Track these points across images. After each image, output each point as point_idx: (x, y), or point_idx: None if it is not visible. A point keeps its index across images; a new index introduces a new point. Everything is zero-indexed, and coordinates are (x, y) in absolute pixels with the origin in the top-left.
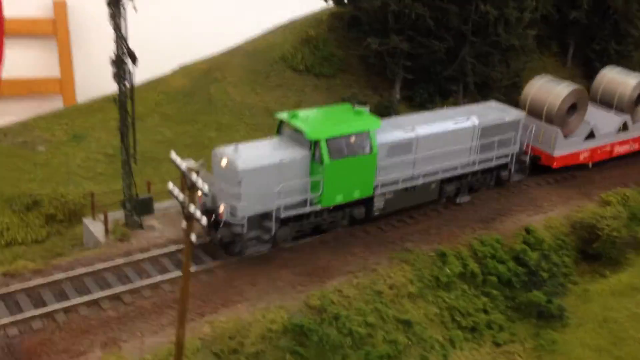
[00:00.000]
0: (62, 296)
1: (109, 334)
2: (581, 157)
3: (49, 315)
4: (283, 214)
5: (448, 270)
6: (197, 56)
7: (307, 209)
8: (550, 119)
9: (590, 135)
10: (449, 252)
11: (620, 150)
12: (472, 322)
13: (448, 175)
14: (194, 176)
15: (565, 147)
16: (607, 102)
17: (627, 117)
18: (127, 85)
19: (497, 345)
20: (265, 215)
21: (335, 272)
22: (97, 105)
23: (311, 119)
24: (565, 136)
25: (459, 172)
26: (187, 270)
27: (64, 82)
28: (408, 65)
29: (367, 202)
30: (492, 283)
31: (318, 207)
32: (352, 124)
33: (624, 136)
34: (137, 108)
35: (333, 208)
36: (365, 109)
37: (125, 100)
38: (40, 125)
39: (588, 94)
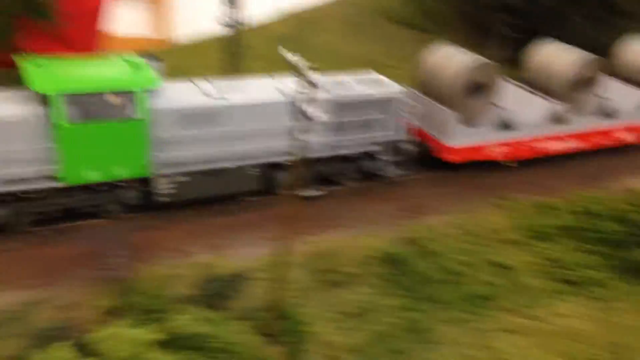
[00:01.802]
0: None
1: (214, 239)
2: (495, 152)
3: (161, 216)
4: None
5: (549, 222)
6: (301, 4)
7: (39, 185)
8: (444, 100)
9: (507, 126)
10: (551, 204)
11: (555, 147)
12: (576, 276)
13: (276, 159)
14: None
15: (465, 137)
16: (541, 85)
17: (559, 106)
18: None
19: (603, 301)
20: None
21: (432, 210)
22: (196, 46)
23: (56, 69)
24: (467, 123)
25: (302, 154)
26: (297, 172)
27: (167, 43)
28: (515, 23)
29: (146, 184)
30: (595, 239)
31: (57, 184)
32: (112, 80)
33: (558, 130)
34: (245, 50)
35: (92, 188)
36: (155, 64)
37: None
38: None
39: (497, 72)
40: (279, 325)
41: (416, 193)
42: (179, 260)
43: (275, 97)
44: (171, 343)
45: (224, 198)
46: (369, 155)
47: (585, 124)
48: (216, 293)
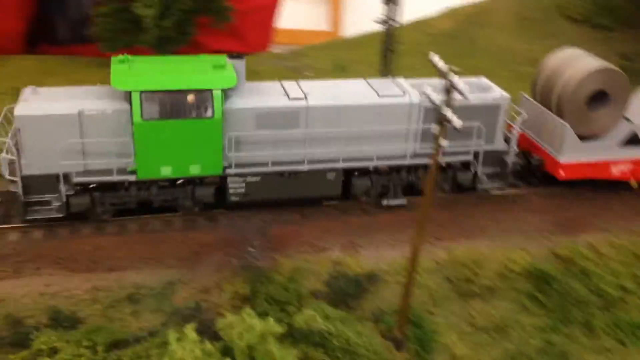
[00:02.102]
0: None
1: (349, 238)
2: (614, 171)
3: (299, 211)
4: (77, 179)
5: None
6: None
7: (115, 177)
8: (561, 110)
9: (634, 141)
10: None
11: None
12: None
13: (357, 165)
14: (454, 77)
15: (581, 153)
16: None
17: None
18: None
19: None
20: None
21: (589, 227)
22: (361, 40)
23: (139, 66)
24: (586, 137)
25: (380, 163)
26: (433, 177)
27: (334, 36)
28: None
29: (221, 183)
30: None
31: (132, 178)
32: (189, 79)
33: None
34: (399, 47)
35: (170, 184)
36: (238, 62)
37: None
38: (310, 54)
39: (626, 81)
40: (407, 331)
41: (571, 207)
42: (312, 255)
43: (362, 100)
44: (293, 336)
45: (303, 201)
46: (464, 165)
47: None
48: (344, 291)
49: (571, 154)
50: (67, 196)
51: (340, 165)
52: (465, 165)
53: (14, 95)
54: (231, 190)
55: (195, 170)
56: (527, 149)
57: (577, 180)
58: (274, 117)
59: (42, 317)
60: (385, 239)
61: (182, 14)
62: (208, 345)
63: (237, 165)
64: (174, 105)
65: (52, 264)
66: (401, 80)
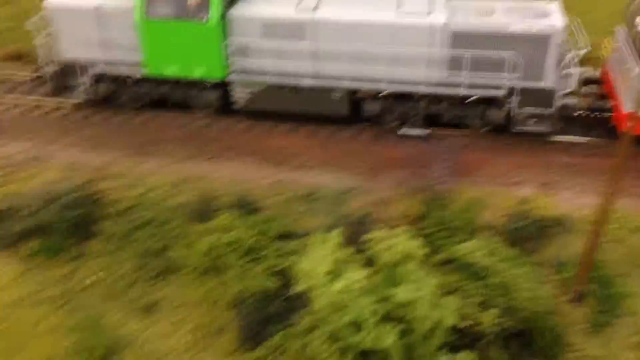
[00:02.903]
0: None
1: (546, 177)
2: None
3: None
4: (93, 69)
5: None
6: None
7: (126, 70)
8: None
9: None
10: None
11: None
12: None
13: (366, 86)
14: None
15: None
16: None
17: None
18: None
19: None
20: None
21: None
22: None
23: None
24: None
25: (393, 88)
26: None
27: None
28: None
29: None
30: None
31: (140, 72)
32: None
33: None
34: None
35: (182, 83)
36: None
37: None
38: None
39: None
40: (590, 287)
41: None
42: (498, 187)
43: (376, 17)
44: (448, 264)
45: (308, 117)
46: (495, 101)
47: None
48: (523, 231)
49: None
50: (89, 84)
51: (347, 84)
52: (498, 102)
53: None
54: (235, 97)
55: (198, 72)
56: (608, 93)
57: None
58: (279, 28)
59: (229, 199)
60: (592, 184)
61: None
62: (349, 251)
63: (241, 73)
64: (175, 6)
65: (248, 154)
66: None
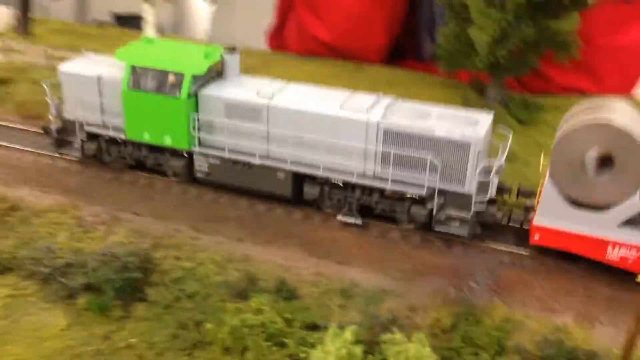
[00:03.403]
0: None
1: (589, 308)
2: (611, 254)
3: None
4: (87, 128)
5: None
6: None
7: (111, 132)
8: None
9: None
10: None
11: None
12: None
13: (306, 171)
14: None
15: (565, 220)
16: None
17: None
18: None
19: None
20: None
21: None
22: None
23: (147, 46)
24: (581, 204)
25: (329, 174)
26: None
27: None
28: None
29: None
30: None
31: (121, 136)
32: (170, 61)
33: None
34: None
35: (156, 149)
36: (231, 55)
37: None
38: None
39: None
40: None
41: None
42: (535, 311)
43: (320, 109)
44: None
45: (255, 194)
46: (419, 201)
47: None
48: None
49: (552, 217)
50: (82, 141)
51: (289, 167)
52: (422, 201)
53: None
54: (196, 167)
55: (167, 141)
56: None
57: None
58: (240, 109)
59: (270, 283)
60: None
61: (522, 43)
62: (357, 350)
63: (202, 145)
64: (155, 81)
65: (297, 243)
66: (390, 100)
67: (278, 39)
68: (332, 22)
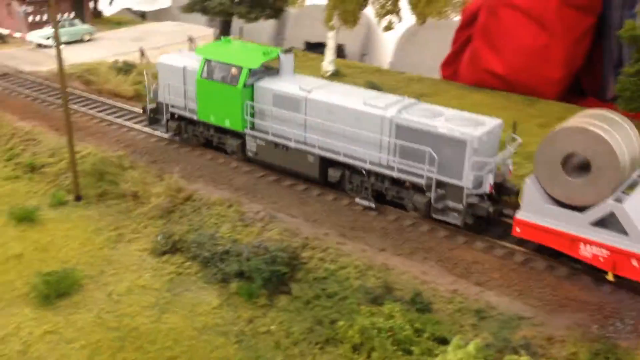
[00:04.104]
0: None
1: None
2: (584, 251)
3: None
4: (171, 109)
5: None
6: None
7: (187, 114)
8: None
9: (613, 225)
10: None
11: None
12: None
13: (330, 155)
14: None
15: (545, 215)
16: None
17: None
18: None
19: None
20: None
21: None
22: None
23: (226, 45)
24: (562, 202)
25: (347, 160)
26: None
27: None
28: None
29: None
30: None
31: (195, 117)
32: (236, 58)
33: None
34: None
35: (220, 129)
36: (286, 55)
37: None
38: None
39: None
40: None
41: None
42: None
43: (346, 103)
44: None
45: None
46: (422, 191)
47: None
48: None
49: (532, 212)
50: (167, 120)
51: (317, 152)
52: (422, 190)
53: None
54: (248, 147)
55: (227, 123)
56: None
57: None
58: (284, 100)
59: (406, 294)
60: None
61: None
62: None
63: (253, 129)
64: (221, 72)
65: (437, 259)
66: (413, 101)
67: (450, 68)
68: (508, 56)
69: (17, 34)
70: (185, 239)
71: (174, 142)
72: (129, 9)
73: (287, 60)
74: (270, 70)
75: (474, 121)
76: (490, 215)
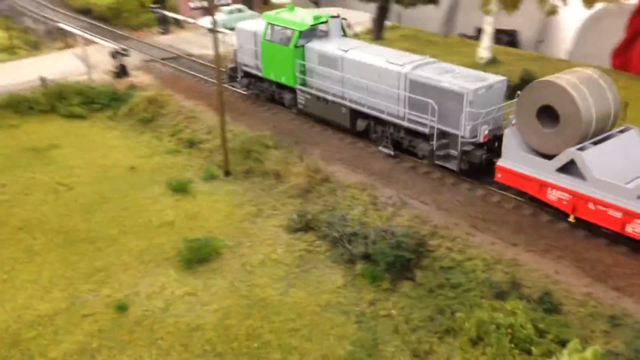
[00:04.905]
0: None
1: None
2: (551, 195)
3: None
4: (244, 68)
5: None
6: None
7: (254, 71)
8: (516, 118)
9: (575, 172)
10: None
11: None
12: None
13: (358, 107)
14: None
15: (520, 162)
16: None
17: None
18: None
19: None
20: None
21: None
22: None
23: (289, 12)
24: (538, 150)
25: (371, 112)
26: None
27: None
28: None
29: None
30: None
31: (260, 74)
32: (290, 22)
33: None
34: None
35: (279, 85)
36: (333, 20)
37: None
38: None
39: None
40: None
41: None
42: None
43: (372, 61)
44: None
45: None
46: (427, 138)
47: None
48: None
49: (510, 160)
50: (241, 77)
51: (348, 104)
52: (427, 138)
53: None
54: (298, 100)
55: (283, 79)
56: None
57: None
58: (326, 59)
59: (533, 292)
60: None
61: None
62: None
63: (301, 84)
64: (279, 34)
65: (572, 259)
66: (431, 60)
67: (622, 57)
68: None
69: (191, 20)
70: (318, 218)
71: (315, 125)
72: None
73: (334, 25)
74: (321, 33)
75: (478, 77)
76: (482, 162)
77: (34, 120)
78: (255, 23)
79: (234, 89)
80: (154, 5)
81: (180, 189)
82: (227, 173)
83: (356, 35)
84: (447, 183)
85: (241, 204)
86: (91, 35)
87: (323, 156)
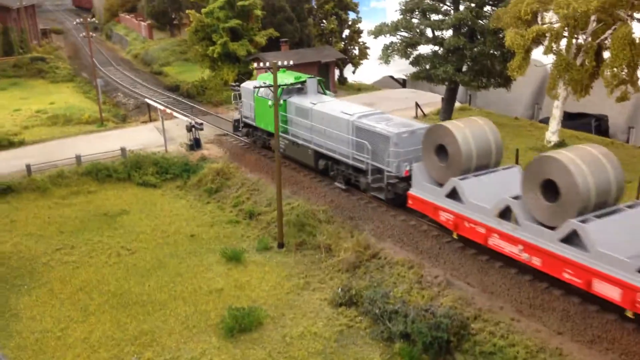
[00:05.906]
0: None
1: None
2: (442, 217)
3: None
4: (243, 120)
5: None
6: None
7: (250, 122)
8: (422, 154)
9: (457, 197)
10: None
11: (503, 247)
12: None
13: (320, 150)
14: None
15: (423, 190)
16: None
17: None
18: None
19: None
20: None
21: None
22: None
23: (279, 74)
24: (438, 182)
25: (328, 153)
26: None
27: None
28: None
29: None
30: None
31: (254, 124)
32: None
33: (512, 230)
34: None
35: (268, 133)
36: (310, 80)
37: None
38: None
39: (454, 139)
40: None
41: None
42: None
43: (330, 111)
44: None
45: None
46: (362, 172)
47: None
48: None
49: (418, 189)
50: (242, 126)
51: (312, 147)
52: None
53: None
54: (280, 145)
55: (269, 127)
56: None
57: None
58: (301, 111)
59: None
60: None
61: None
62: None
63: (283, 132)
64: (268, 92)
65: (621, 352)
66: (378, 112)
67: None
68: None
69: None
70: (361, 293)
71: (371, 201)
72: (391, 77)
73: (311, 84)
74: (301, 90)
75: (405, 125)
76: (404, 193)
77: (110, 187)
78: (255, 82)
79: (236, 136)
80: (233, 84)
81: (234, 257)
82: (281, 245)
83: (425, 116)
84: (496, 266)
85: (290, 275)
86: (172, 109)
87: (375, 232)
